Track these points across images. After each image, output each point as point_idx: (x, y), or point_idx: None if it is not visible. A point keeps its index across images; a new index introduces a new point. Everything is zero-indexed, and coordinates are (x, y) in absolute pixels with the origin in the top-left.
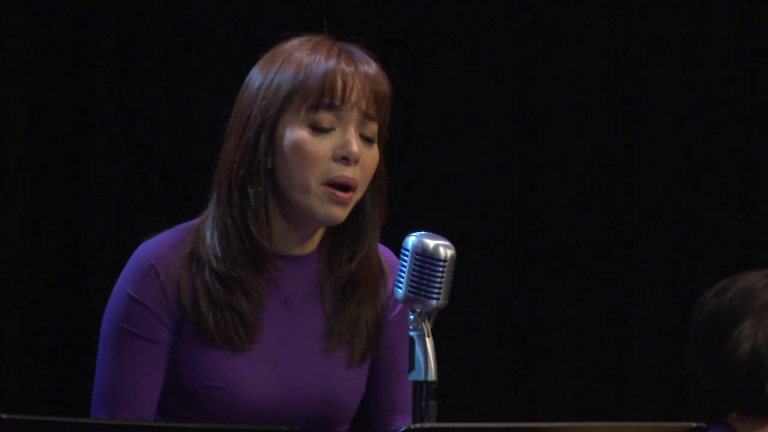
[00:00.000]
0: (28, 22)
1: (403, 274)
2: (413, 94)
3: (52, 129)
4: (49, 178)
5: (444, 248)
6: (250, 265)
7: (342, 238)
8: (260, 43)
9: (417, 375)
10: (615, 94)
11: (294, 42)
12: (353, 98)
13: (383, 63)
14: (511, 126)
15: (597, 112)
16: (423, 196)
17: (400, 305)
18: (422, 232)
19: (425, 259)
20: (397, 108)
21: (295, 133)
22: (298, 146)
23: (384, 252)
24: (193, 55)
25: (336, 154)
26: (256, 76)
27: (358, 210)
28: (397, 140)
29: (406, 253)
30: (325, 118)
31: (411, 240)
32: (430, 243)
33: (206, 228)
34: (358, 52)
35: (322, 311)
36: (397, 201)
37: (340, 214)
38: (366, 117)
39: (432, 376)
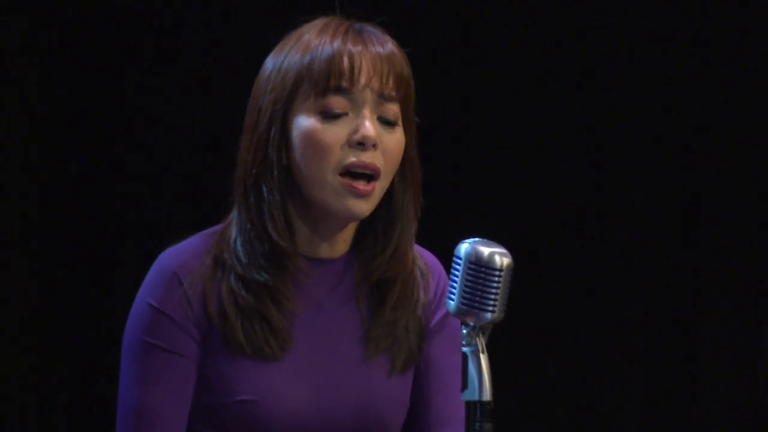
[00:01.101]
0: (45, 16)
1: (455, 285)
2: (467, 90)
3: (73, 126)
4: (70, 182)
5: (500, 256)
6: (276, 270)
7: (373, 232)
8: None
9: (470, 394)
10: (680, 94)
11: (307, 25)
12: (363, 79)
13: (402, 41)
14: (570, 125)
15: (662, 110)
16: (477, 199)
17: (443, 311)
18: (476, 239)
19: (479, 268)
20: (451, 106)
21: (306, 122)
22: (308, 136)
23: (424, 254)
24: (221, 49)
25: (351, 140)
26: (268, 64)
27: (388, 200)
28: (449, 140)
29: (459, 261)
30: (336, 102)
31: (464, 247)
32: (485, 251)
33: (230, 232)
34: (368, 31)
35: (358, 316)
36: (450, 205)
37: (362, 207)
38: (382, 98)
39: (487, 395)
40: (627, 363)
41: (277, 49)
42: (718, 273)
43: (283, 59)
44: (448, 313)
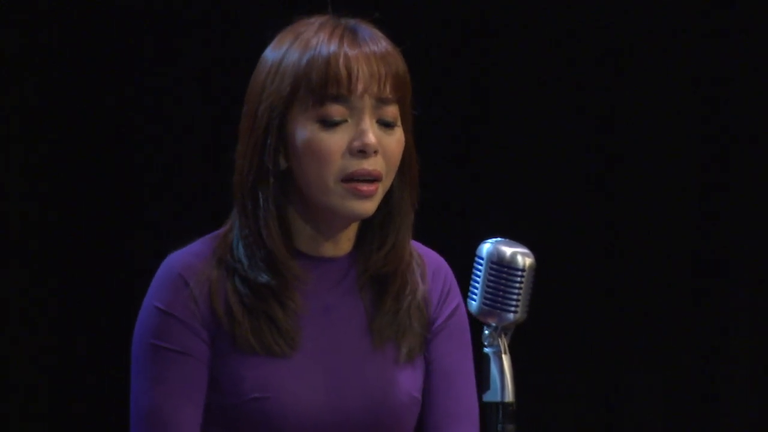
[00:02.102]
0: (45, 16)
1: (477, 285)
2: (483, 87)
3: (73, 126)
4: (70, 182)
5: (522, 256)
6: (279, 272)
7: (371, 228)
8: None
9: (493, 395)
10: (704, 90)
11: (302, 22)
12: (361, 85)
13: (396, 39)
14: (590, 120)
15: (686, 109)
16: (498, 198)
17: (448, 310)
18: (498, 239)
19: (501, 268)
20: (467, 105)
21: (305, 131)
22: (308, 145)
23: (429, 254)
24: (221, 49)
25: (352, 148)
26: (263, 65)
27: (387, 195)
28: (470, 139)
29: (481, 261)
30: (335, 110)
31: (486, 247)
32: (507, 250)
33: (232, 235)
34: (362, 32)
35: (362, 310)
36: (470, 205)
37: (367, 207)
38: (381, 101)
39: (509, 396)
40: (646, 365)
41: (272, 47)
42: (740, 273)
43: (279, 61)
44: (453, 311)
